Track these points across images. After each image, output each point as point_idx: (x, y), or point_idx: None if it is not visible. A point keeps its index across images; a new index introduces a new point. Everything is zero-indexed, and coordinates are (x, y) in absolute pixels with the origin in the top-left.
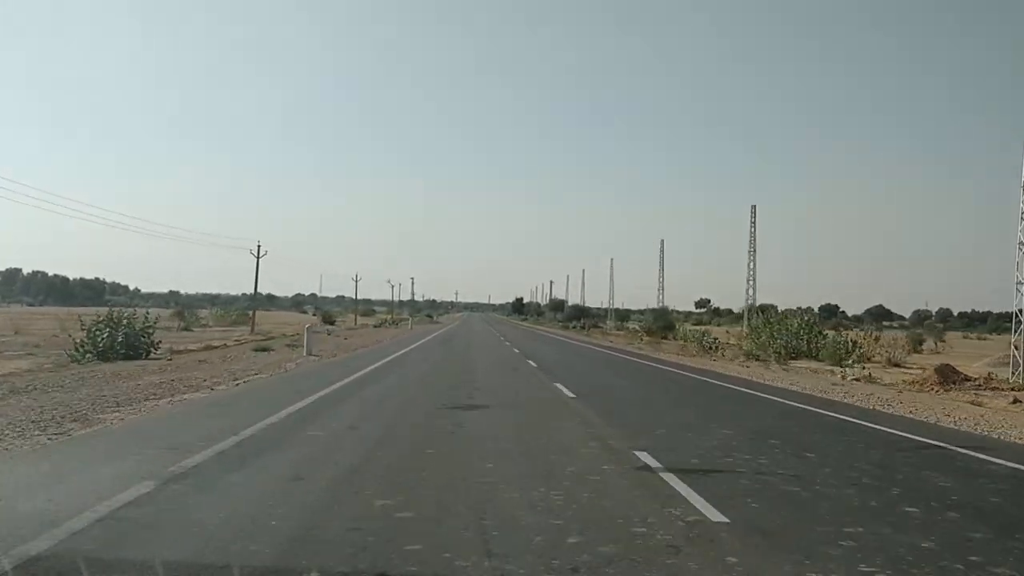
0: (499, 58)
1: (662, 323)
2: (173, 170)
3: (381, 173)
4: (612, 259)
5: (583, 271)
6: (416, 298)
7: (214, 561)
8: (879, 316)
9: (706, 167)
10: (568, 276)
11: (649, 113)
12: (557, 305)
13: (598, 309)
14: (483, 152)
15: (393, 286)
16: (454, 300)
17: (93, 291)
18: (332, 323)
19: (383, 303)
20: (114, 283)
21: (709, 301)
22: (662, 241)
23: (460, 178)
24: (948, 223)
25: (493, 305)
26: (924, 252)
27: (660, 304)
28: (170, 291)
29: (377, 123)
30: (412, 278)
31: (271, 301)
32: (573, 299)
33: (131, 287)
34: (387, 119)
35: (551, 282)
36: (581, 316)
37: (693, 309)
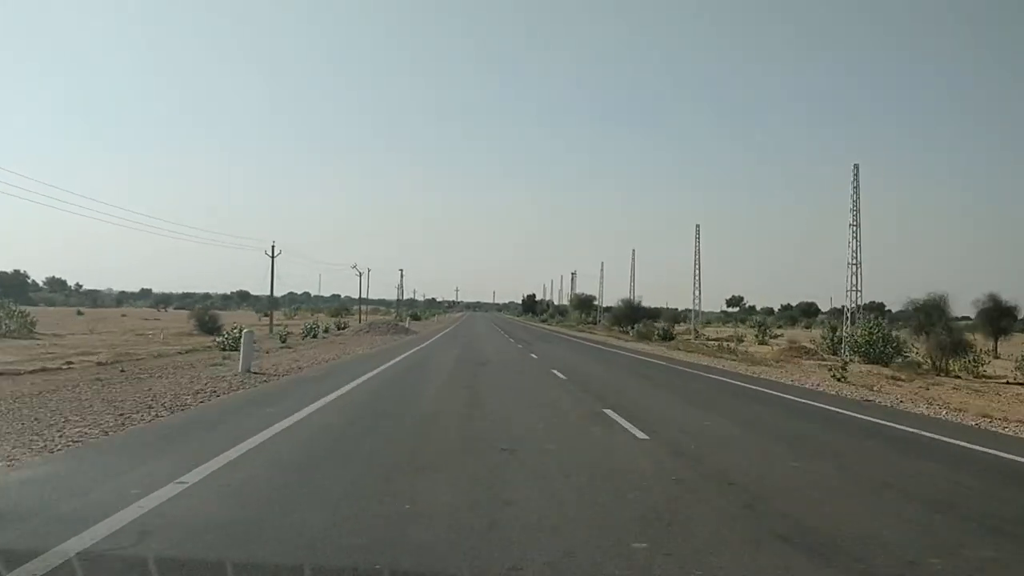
0: (500, 53)
1: (945, 339)
2: (168, 164)
3: (380, 168)
4: (698, 225)
5: (633, 251)
6: (416, 296)
7: None
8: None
9: (710, 165)
10: (603, 263)
11: (649, 113)
12: (584, 303)
13: (655, 308)
14: (485, 146)
15: (360, 273)
16: (455, 299)
17: (4, 287)
18: (215, 332)
19: (383, 302)
20: (52, 277)
21: (742, 299)
22: (854, 200)
23: (460, 172)
24: None
25: (497, 304)
26: None
27: (854, 301)
28: (141, 289)
29: (377, 117)
30: (401, 270)
31: (244, 299)
32: (610, 297)
33: (71, 283)
34: (387, 113)
35: (573, 274)
36: (639, 317)
37: (719, 309)
